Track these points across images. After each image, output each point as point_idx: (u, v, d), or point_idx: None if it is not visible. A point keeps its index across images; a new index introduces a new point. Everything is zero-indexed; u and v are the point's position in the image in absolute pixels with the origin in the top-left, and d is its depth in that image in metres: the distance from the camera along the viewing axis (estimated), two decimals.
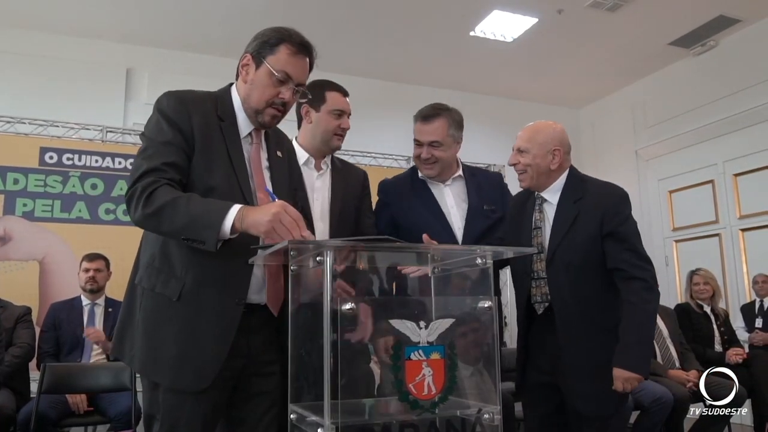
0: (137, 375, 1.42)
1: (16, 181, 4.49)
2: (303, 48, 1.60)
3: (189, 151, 1.51)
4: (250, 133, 1.63)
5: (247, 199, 1.52)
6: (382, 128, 5.97)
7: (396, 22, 5.33)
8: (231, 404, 1.58)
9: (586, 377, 1.95)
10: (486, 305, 1.39)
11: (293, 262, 1.44)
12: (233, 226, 1.37)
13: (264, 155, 1.66)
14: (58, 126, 4.79)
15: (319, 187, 2.13)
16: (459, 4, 5.06)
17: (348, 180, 2.23)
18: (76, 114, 4.94)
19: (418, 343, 1.30)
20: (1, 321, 3.40)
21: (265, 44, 1.58)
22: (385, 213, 2.37)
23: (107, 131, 4.93)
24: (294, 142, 2.16)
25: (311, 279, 1.40)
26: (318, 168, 2.17)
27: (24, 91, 5.08)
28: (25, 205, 4.48)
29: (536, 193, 2.13)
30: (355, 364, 1.33)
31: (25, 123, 4.73)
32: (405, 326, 1.30)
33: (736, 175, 5.62)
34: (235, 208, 1.37)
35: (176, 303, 1.47)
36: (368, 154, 5.64)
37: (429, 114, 2.33)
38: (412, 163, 2.63)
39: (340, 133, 2.14)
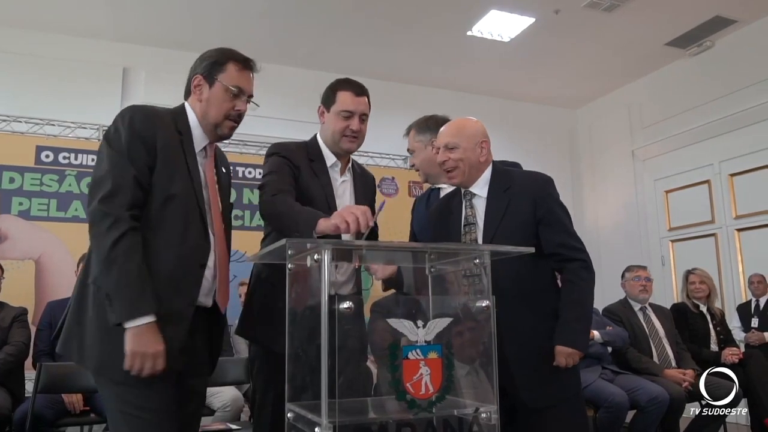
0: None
1: (11, 180, 4.48)
2: (247, 63, 1.78)
3: (152, 163, 1.60)
4: (204, 148, 1.75)
5: (201, 207, 1.65)
6: (379, 128, 5.93)
7: (393, 22, 5.32)
8: None
9: (529, 367, 1.92)
10: (483, 304, 1.39)
11: (291, 260, 1.44)
12: None
13: (214, 170, 1.79)
14: (54, 125, 4.78)
15: (341, 194, 2.10)
16: (456, 4, 5.06)
17: (365, 185, 2.21)
18: (72, 113, 4.93)
19: (416, 342, 1.30)
20: None
21: (213, 64, 1.73)
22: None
23: (103, 130, 4.91)
24: (319, 142, 2.13)
25: (309, 278, 1.39)
26: (342, 173, 2.13)
27: (20, 90, 5.06)
28: (21, 204, 4.46)
29: (463, 190, 2.11)
30: (352, 363, 1.33)
31: (21, 122, 4.71)
32: (403, 325, 1.30)
33: (732, 175, 5.64)
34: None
35: None
36: (365, 154, 5.63)
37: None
38: (411, 164, 2.66)
39: (349, 134, 2.06)
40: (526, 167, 2.39)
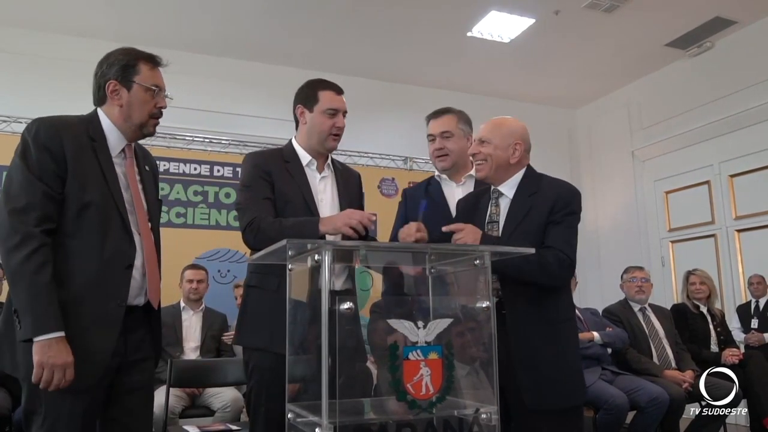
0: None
1: None
2: (156, 60, 1.82)
3: (62, 173, 1.62)
4: (123, 150, 1.77)
5: (121, 211, 1.68)
6: (379, 129, 5.97)
7: (393, 22, 5.32)
8: (110, 401, 1.68)
9: (536, 369, 1.92)
10: (484, 305, 1.40)
11: (291, 261, 1.44)
12: None
13: (136, 170, 1.81)
14: None
15: (322, 190, 2.14)
16: (456, 5, 5.06)
17: (348, 183, 2.24)
18: (72, 113, 4.90)
19: (416, 343, 1.30)
20: None
21: (125, 68, 1.75)
22: (400, 214, 2.52)
23: None
24: (294, 143, 2.18)
25: (309, 278, 1.40)
26: (320, 170, 2.17)
27: (20, 91, 5.06)
28: None
29: (492, 187, 2.13)
30: (352, 363, 1.33)
31: (21, 122, 4.71)
32: (403, 326, 1.30)
33: (732, 176, 5.64)
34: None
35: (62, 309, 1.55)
36: (365, 155, 5.63)
37: (438, 111, 2.50)
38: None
39: (336, 132, 2.12)
40: None
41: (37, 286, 1.50)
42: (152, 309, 1.76)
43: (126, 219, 1.68)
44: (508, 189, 2.08)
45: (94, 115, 1.77)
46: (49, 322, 1.50)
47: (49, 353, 1.48)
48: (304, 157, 2.14)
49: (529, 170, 2.13)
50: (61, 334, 1.51)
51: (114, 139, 1.75)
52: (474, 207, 2.16)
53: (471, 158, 2.17)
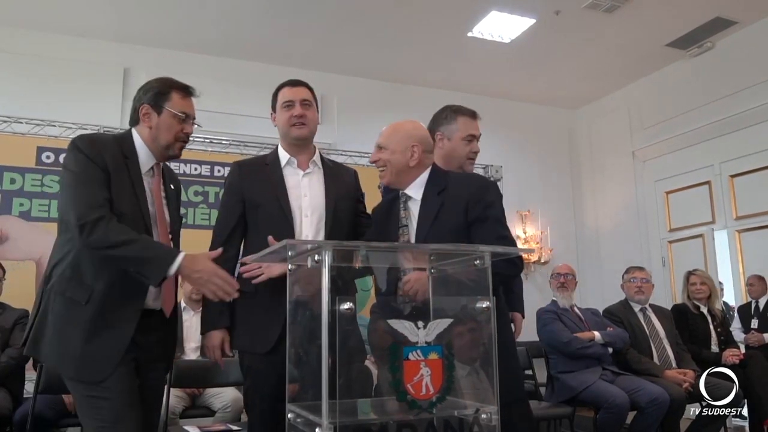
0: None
1: (12, 181, 4.48)
2: (188, 90, 1.99)
3: (108, 183, 1.79)
4: (151, 168, 1.94)
5: (147, 223, 1.84)
6: (379, 129, 5.95)
7: (394, 23, 5.33)
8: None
9: None
10: (484, 305, 1.39)
11: (291, 261, 1.44)
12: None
13: (162, 187, 1.99)
14: (55, 126, 4.78)
15: (306, 185, 2.17)
16: (457, 5, 5.06)
17: (341, 179, 2.26)
18: (73, 114, 4.92)
19: (416, 343, 1.30)
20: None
21: (158, 94, 1.94)
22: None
23: (104, 131, 4.91)
24: (278, 147, 2.25)
25: (309, 278, 1.40)
26: (303, 167, 2.20)
27: (21, 91, 5.06)
28: (21, 204, 4.47)
29: (399, 192, 2.11)
30: (352, 363, 1.33)
31: (22, 122, 4.72)
32: (403, 326, 1.30)
33: (733, 176, 5.63)
34: (179, 260, 1.71)
35: (84, 306, 1.72)
36: (365, 155, 5.63)
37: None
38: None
39: (295, 122, 2.16)
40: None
41: (135, 240, 1.70)
42: (172, 315, 1.93)
43: (150, 230, 1.85)
44: (414, 191, 2.06)
45: (128, 134, 1.95)
46: (169, 254, 1.72)
47: (193, 269, 1.73)
48: (284, 157, 2.20)
49: (435, 169, 2.10)
50: (184, 253, 1.72)
51: (144, 156, 1.92)
52: (388, 214, 2.14)
53: (374, 165, 2.12)
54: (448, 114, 2.38)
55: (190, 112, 1.98)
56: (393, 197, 2.18)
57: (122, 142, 1.91)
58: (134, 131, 1.96)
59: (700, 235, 5.80)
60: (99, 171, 1.77)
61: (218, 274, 1.76)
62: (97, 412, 1.68)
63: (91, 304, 1.72)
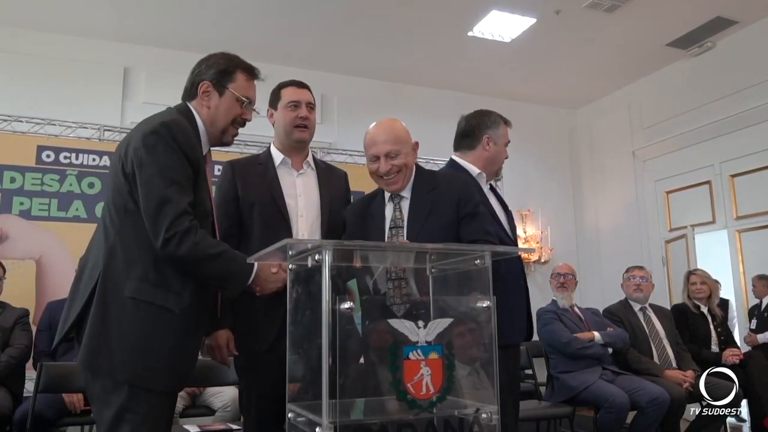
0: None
1: (12, 180, 4.48)
2: (255, 73, 1.82)
3: (194, 180, 1.65)
4: (208, 152, 1.80)
5: (211, 214, 1.74)
6: None
7: (394, 22, 5.32)
8: None
9: None
10: (484, 305, 1.39)
11: (292, 260, 1.44)
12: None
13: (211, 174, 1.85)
14: (55, 125, 4.78)
15: (300, 185, 2.17)
16: (457, 5, 5.06)
17: (333, 180, 2.27)
18: (73, 113, 4.93)
19: (417, 342, 1.30)
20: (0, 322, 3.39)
21: (223, 73, 1.73)
22: None
23: (104, 130, 4.92)
24: (271, 147, 2.25)
25: (309, 278, 1.40)
26: (297, 167, 2.20)
27: (21, 90, 5.06)
28: (21, 203, 4.46)
29: (390, 194, 2.06)
30: (353, 363, 1.33)
31: (22, 121, 4.71)
32: (403, 326, 1.30)
33: (733, 176, 5.64)
34: (254, 271, 1.65)
35: (176, 315, 1.58)
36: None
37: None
38: None
39: (300, 123, 2.15)
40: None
41: (218, 255, 1.60)
42: None
43: (214, 223, 1.76)
44: (405, 191, 2.05)
45: (190, 116, 1.73)
46: (248, 267, 1.63)
47: (266, 279, 1.66)
48: (278, 156, 2.19)
49: (419, 168, 2.10)
50: (257, 264, 1.64)
51: (204, 140, 1.75)
52: (365, 216, 2.09)
53: (384, 177, 2.02)
54: (495, 118, 2.39)
55: (253, 97, 1.80)
56: (368, 197, 2.16)
57: (186, 118, 1.71)
58: (193, 110, 1.74)
59: (683, 236, 5.79)
60: (189, 169, 1.61)
61: (283, 280, 1.68)
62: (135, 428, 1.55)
63: (183, 313, 1.58)
